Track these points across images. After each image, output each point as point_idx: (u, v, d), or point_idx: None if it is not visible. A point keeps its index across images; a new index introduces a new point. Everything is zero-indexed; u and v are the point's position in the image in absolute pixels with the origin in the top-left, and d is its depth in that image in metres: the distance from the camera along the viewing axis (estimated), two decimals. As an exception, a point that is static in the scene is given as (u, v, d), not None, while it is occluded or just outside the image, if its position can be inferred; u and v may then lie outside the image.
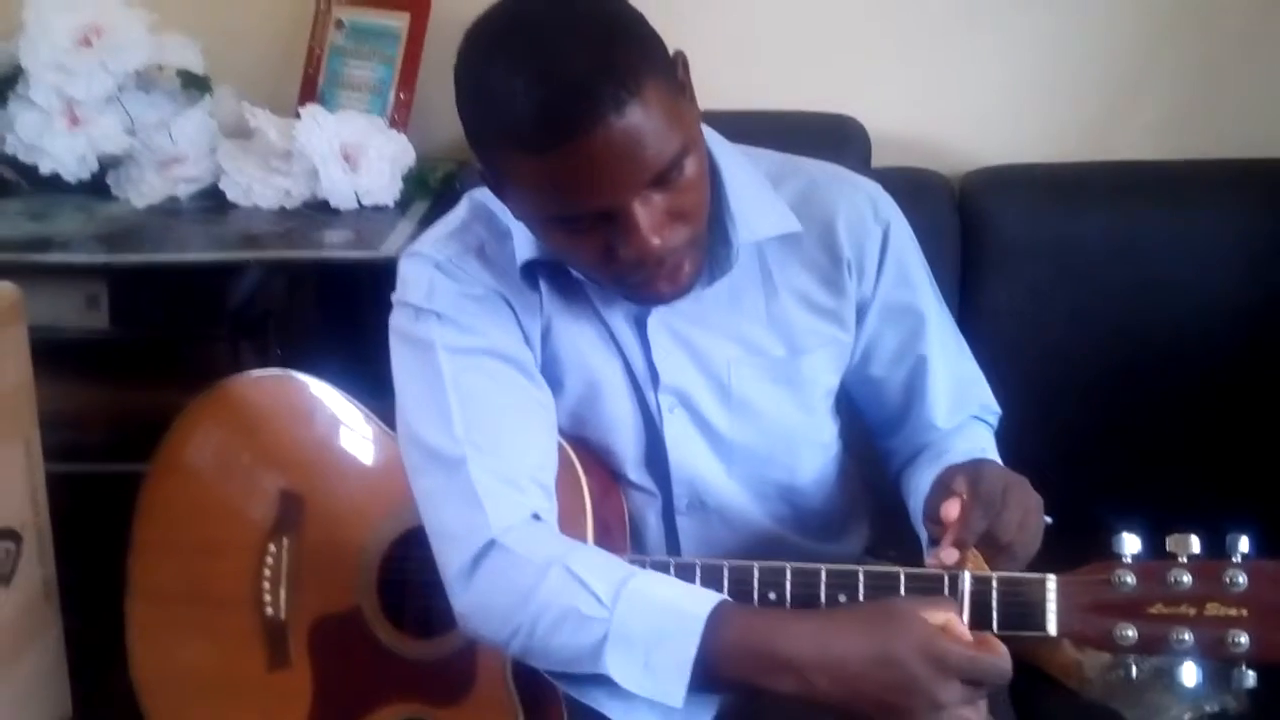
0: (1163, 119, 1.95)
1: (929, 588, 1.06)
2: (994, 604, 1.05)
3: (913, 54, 1.96)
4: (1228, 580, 1.00)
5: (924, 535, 1.17)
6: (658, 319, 1.24)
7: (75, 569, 1.58)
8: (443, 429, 1.17)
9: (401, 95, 1.93)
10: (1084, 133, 1.95)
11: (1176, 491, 1.64)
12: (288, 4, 2.02)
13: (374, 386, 1.42)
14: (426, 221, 1.76)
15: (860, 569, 1.09)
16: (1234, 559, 1.00)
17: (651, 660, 1.03)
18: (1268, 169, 1.87)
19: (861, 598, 1.08)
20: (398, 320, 1.24)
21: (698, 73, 1.12)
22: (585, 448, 1.28)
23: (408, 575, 1.37)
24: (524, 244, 1.21)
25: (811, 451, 1.34)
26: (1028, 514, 1.09)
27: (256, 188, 1.84)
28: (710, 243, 1.19)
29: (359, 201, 1.84)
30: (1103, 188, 1.86)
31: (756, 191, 1.23)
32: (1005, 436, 1.39)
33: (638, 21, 1.07)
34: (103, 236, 1.74)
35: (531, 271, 1.23)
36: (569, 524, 1.20)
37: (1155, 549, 1.03)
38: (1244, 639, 0.99)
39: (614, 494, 1.30)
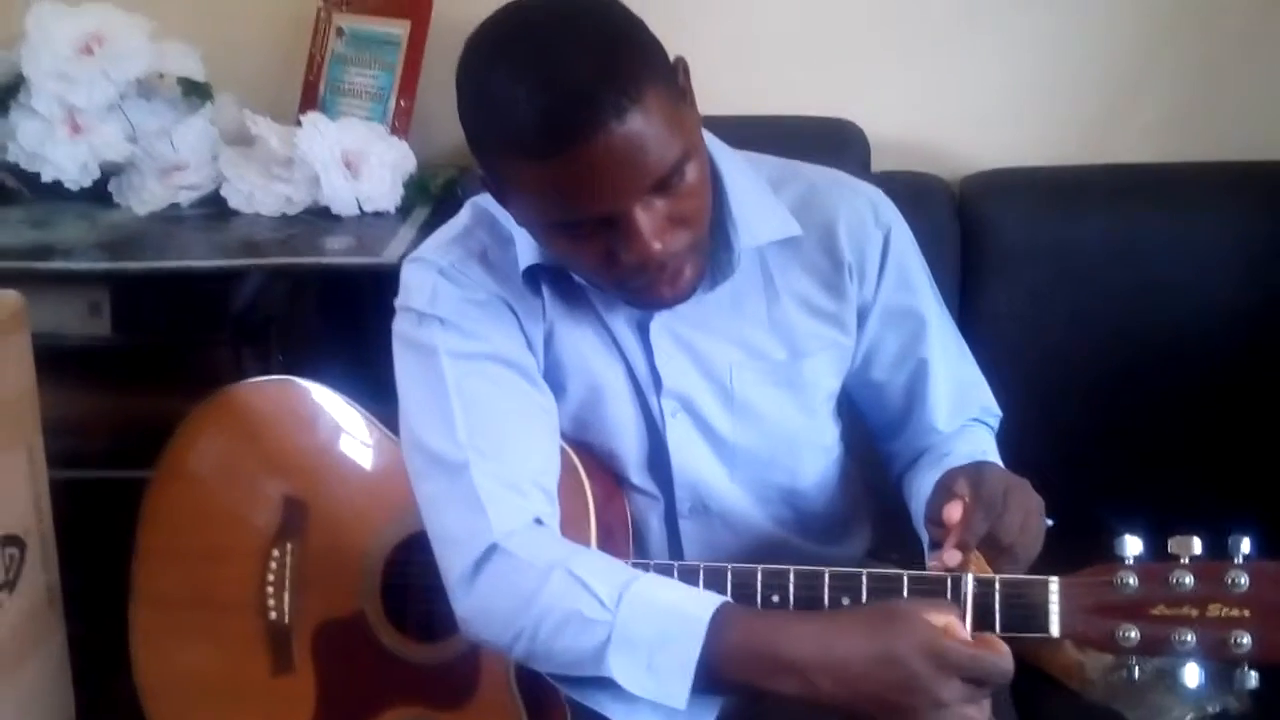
0: (1162, 121, 1.95)
1: (932, 590, 1.07)
2: (997, 606, 1.05)
3: (912, 58, 1.96)
4: (1230, 581, 1.00)
5: (925, 538, 1.18)
6: (660, 323, 1.24)
7: (78, 575, 1.58)
8: (446, 434, 1.18)
9: (402, 102, 1.93)
10: (1083, 136, 1.95)
11: (1177, 493, 1.64)
12: (288, 12, 2.02)
13: (375, 392, 1.43)
14: (428, 228, 1.76)
15: (863, 571, 1.10)
16: (1236, 560, 1.01)
17: (655, 662, 1.04)
18: (1267, 171, 1.87)
19: (865, 600, 1.08)
20: (401, 325, 1.25)
21: (697, 78, 1.12)
22: (588, 452, 1.28)
23: (411, 579, 1.37)
24: (526, 249, 1.21)
25: (813, 454, 1.35)
26: (1029, 516, 1.09)
27: (258, 194, 1.84)
28: (712, 247, 1.19)
29: (360, 208, 1.84)
30: (1102, 191, 1.86)
31: (758, 196, 1.24)
32: (1006, 439, 1.39)
33: (638, 28, 1.07)
34: (105, 244, 1.75)
35: (534, 277, 1.23)
36: (572, 528, 1.20)
37: (1157, 551, 1.04)
38: (1246, 639, 0.99)
39: (617, 498, 1.30)
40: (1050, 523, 1.12)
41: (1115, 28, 1.91)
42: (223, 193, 1.87)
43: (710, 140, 1.19)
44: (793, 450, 1.32)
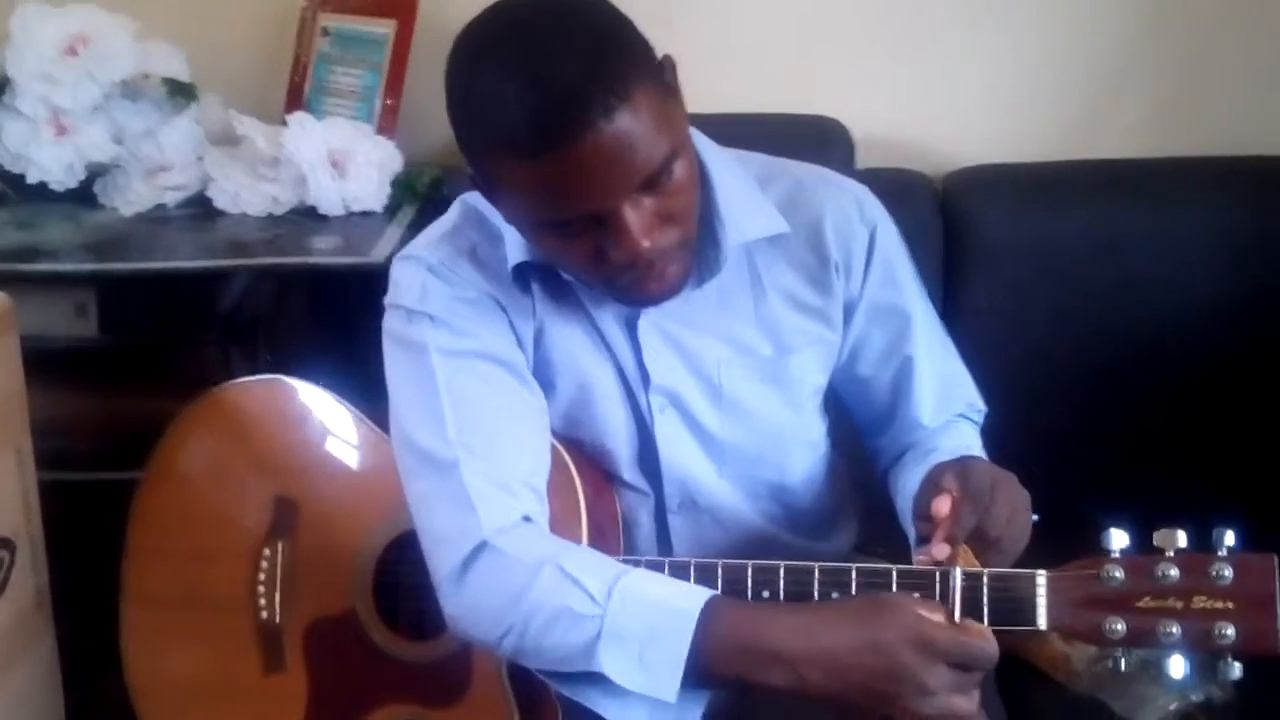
0: (1144, 118, 1.96)
1: (921, 584, 1.07)
2: (985, 599, 1.06)
3: (895, 55, 1.97)
4: (1214, 573, 1.01)
5: (912, 533, 1.18)
6: (648, 320, 1.25)
7: (67, 577, 1.57)
8: (436, 432, 1.18)
9: (388, 102, 1.93)
10: (1065, 132, 1.96)
11: (1161, 487, 1.66)
12: (273, 12, 2.02)
13: (364, 391, 1.43)
14: (414, 227, 1.77)
15: (853, 566, 1.10)
16: (1220, 552, 1.02)
17: (645, 656, 1.04)
18: (1249, 167, 1.88)
19: (854, 594, 1.09)
20: (391, 323, 1.25)
21: (681, 77, 1.13)
22: (578, 449, 1.29)
23: (402, 578, 1.38)
24: (515, 247, 1.22)
25: (801, 450, 1.35)
26: (1016, 509, 1.10)
27: (244, 195, 1.84)
28: (699, 245, 1.20)
29: (347, 207, 1.84)
30: (1085, 187, 1.87)
31: (745, 194, 1.24)
32: (989, 435, 1.40)
33: (626, 27, 1.08)
34: (91, 245, 1.74)
35: (523, 274, 1.24)
36: (563, 525, 1.21)
37: (1142, 544, 1.04)
38: (1230, 631, 1.00)
39: (607, 495, 1.30)
40: (1036, 518, 1.12)
41: (1097, 25, 1.92)
42: (208, 193, 1.86)
43: (698, 138, 1.20)
44: (780, 446, 1.33)
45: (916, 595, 1.06)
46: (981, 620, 1.06)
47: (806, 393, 1.32)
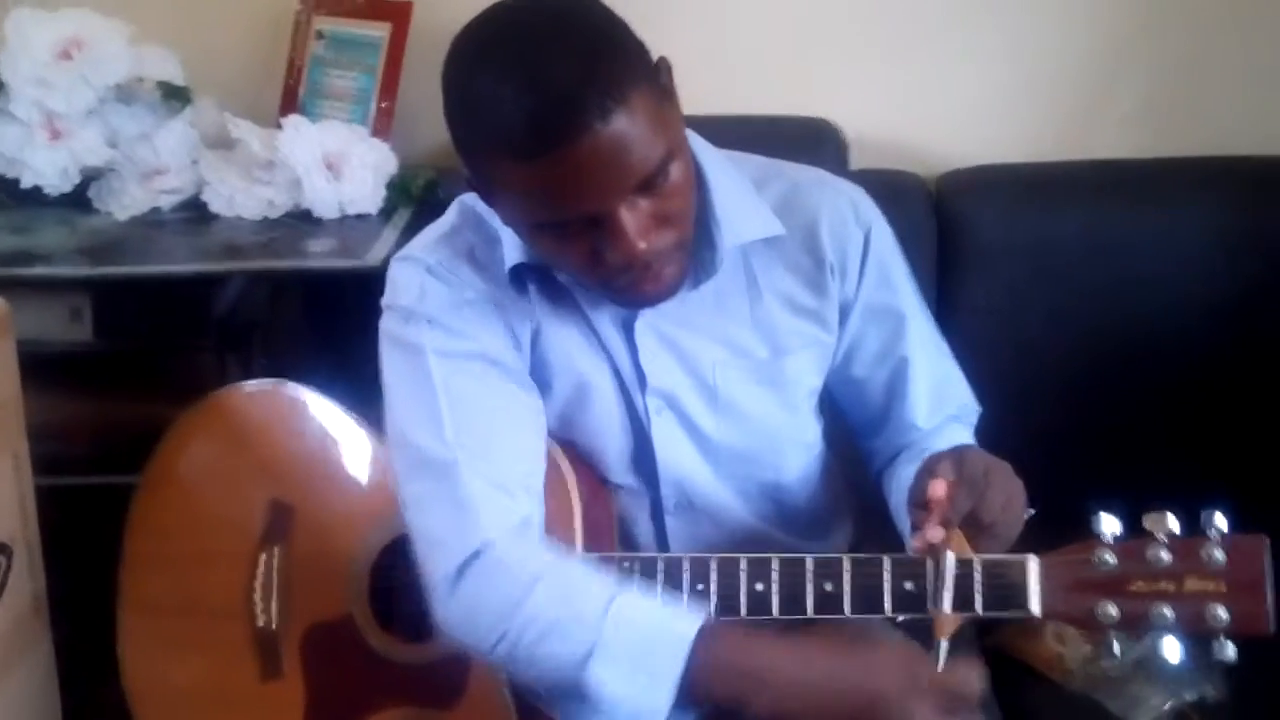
0: (1138, 118, 1.96)
1: (913, 570, 1.08)
2: (977, 585, 1.06)
3: (888, 56, 1.97)
4: (1205, 555, 1.02)
5: (906, 528, 1.18)
6: (645, 322, 1.25)
7: (63, 582, 1.57)
8: (433, 433, 1.18)
9: (383, 104, 1.93)
10: (1059, 132, 1.96)
11: (1155, 486, 1.64)
12: (267, 16, 2.01)
13: (359, 395, 1.43)
14: (410, 229, 1.76)
15: (845, 556, 1.11)
16: (1210, 535, 1.02)
17: (637, 676, 1.06)
18: (1243, 166, 1.88)
19: (847, 585, 1.10)
20: (388, 324, 1.25)
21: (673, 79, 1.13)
22: (574, 450, 1.29)
23: (398, 581, 1.38)
24: (513, 248, 1.22)
25: (796, 451, 1.36)
26: (1010, 496, 1.10)
27: (239, 198, 1.84)
28: (695, 247, 1.20)
29: (342, 210, 1.84)
30: (1078, 187, 1.87)
31: (740, 196, 1.25)
32: (983, 434, 1.40)
33: (622, 30, 1.08)
34: (85, 249, 1.74)
35: (520, 276, 1.24)
36: (558, 525, 1.21)
37: (1133, 530, 1.05)
38: (1223, 612, 1.01)
39: (602, 495, 1.31)
40: (1032, 512, 1.13)
41: (1091, 25, 1.93)
42: (203, 197, 1.86)
43: (693, 140, 1.20)
44: (775, 447, 1.33)
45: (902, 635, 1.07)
46: (974, 606, 1.06)
47: (802, 394, 1.33)
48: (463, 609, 1.15)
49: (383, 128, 1.93)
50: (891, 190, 1.74)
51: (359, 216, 1.85)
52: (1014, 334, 1.83)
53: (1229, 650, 1.01)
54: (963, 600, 1.06)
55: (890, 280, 1.31)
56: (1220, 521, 1.03)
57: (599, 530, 1.27)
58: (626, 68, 1.04)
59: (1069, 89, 1.96)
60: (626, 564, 1.16)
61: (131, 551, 1.50)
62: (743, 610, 1.12)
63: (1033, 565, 1.06)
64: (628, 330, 1.26)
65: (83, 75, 1.80)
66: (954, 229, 1.86)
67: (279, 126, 1.84)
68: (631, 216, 1.07)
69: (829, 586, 1.10)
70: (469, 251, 1.25)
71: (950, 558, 1.06)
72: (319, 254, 1.74)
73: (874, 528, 1.40)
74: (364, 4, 1.96)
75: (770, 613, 1.11)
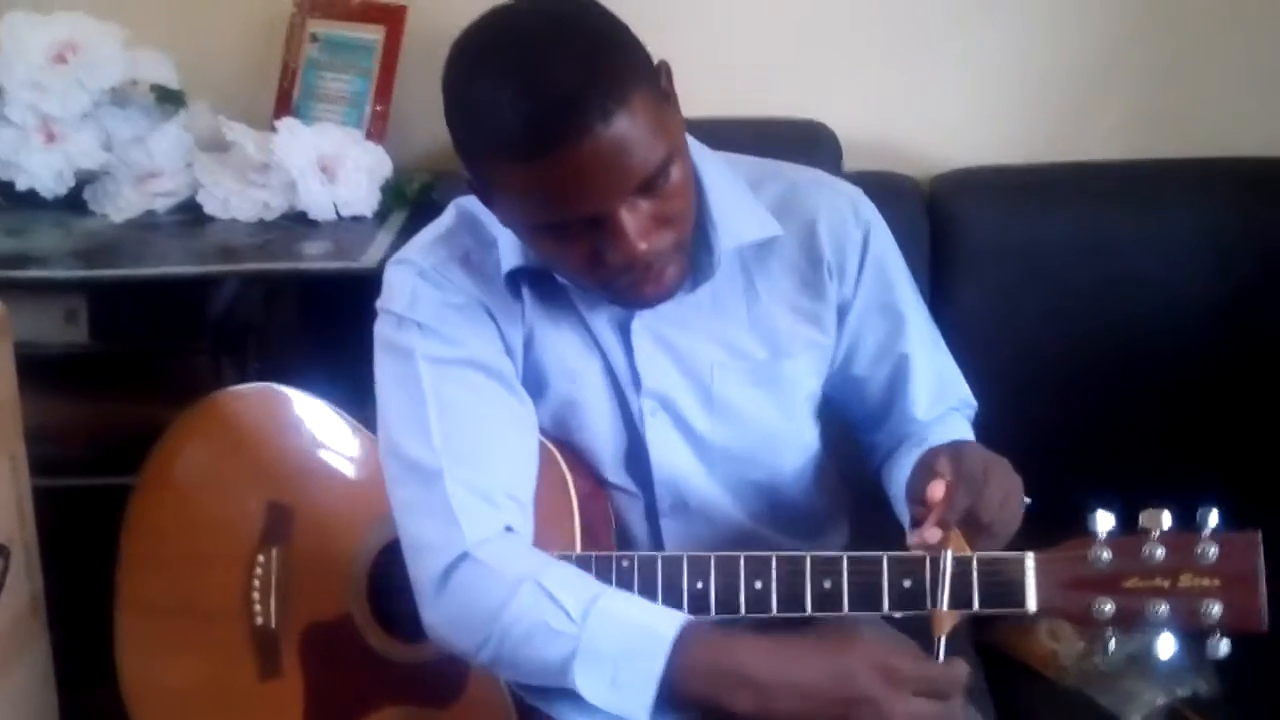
0: (1129, 120, 1.97)
1: (911, 569, 1.09)
2: (975, 582, 1.07)
3: (882, 59, 1.98)
4: (1199, 552, 1.02)
5: (906, 519, 1.19)
6: (641, 324, 1.25)
7: (60, 582, 1.58)
8: (422, 440, 1.19)
9: (378, 107, 1.93)
10: (1051, 134, 1.97)
11: (1148, 485, 1.66)
12: (261, 19, 2.02)
13: (354, 397, 1.44)
14: (405, 232, 1.77)
15: (844, 554, 1.11)
16: (1204, 532, 1.03)
17: (619, 676, 1.06)
18: (1233, 168, 1.89)
19: (845, 583, 1.10)
20: (381, 328, 1.26)
21: (667, 81, 1.13)
22: (570, 451, 1.29)
23: (397, 580, 1.37)
24: (509, 252, 1.22)
25: (792, 452, 1.36)
26: (1008, 494, 1.11)
27: (234, 200, 1.84)
28: (692, 249, 1.20)
29: (337, 213, 1.84)
30: (1071, 188, 1.88)
31: (737, 197, 1.25)
32: (977, 434, 1.40)
33: (622, 32, 1.09)
34: (80, 252, 1.74)
35: (514, 280, 1.24)
36: (555, 525, 1.21)
37: (1127, 527, 1.06)
38: (1216, 608, 1.01)
39: (599, 495, 1.31)
40: (1028, 501, 1.13)
41: (1082, 28, 1.93)
42: (198, 199, 1.86)
43: (690, 142, 1.20)
44: (771, 448, 1.34)
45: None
46: (972, 603, 1.07)
47: (800, 397, 1.33)
48: (448, 613, 1.15)
49: (377, 131, 1.93)
50: (885, 192, 1.72)
51: (354, 219, 1.85)
52: (1007, 335, 1.84)
53: (1223, 647, 1.02)
54: (960, 598, 1.07)
55: (889, 279, 1.31)
56: (1214, 519, 1.03)
57: (597, 530, 1.28)
58: (627, 69, 1.05)
59: (1061, 92, 1.96)
60: (625, 563, 1.16)
61: (128, 552, 1.50)
62: (742, 609, 1.13)
63: (1029, 563, 1.07)
64: (624, 332, 1.26)
65: (77, 78, 1.80)
66: (947, 231, 1.87)
67: (273, 129, 1.84)
68: (632, 218, 1.08)
69: (828, 584, 1.11)
70: (464, 255, 1.25)
71: (948, 556, 1.07)
72: (314, 256, 1.74)
73: (869, 528, 1.40)
74: (358, 7, 1.96)
75: (770, 611, 1.12)
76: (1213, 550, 1.02)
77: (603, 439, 1.30)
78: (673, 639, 1.05)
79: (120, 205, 1.86)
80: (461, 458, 1.18)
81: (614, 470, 1.31)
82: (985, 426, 1.42)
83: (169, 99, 1.88)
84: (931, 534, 1.07)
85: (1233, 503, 1.05)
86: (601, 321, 1.27)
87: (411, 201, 1.90)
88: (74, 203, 1.88)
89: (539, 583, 1.11)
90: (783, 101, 1.95)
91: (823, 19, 1.97)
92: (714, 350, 1.28)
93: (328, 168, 1.83)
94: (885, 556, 1.10)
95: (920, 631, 1.11)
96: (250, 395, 1.52)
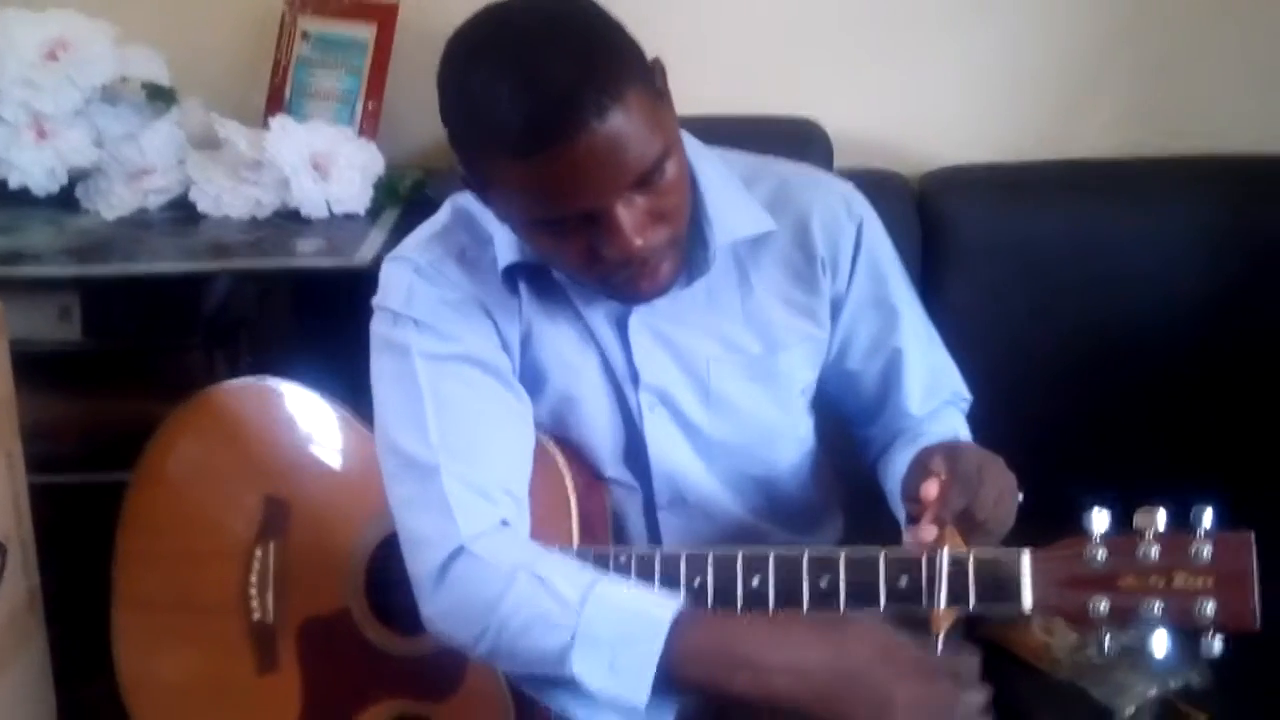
0: (1120, 117, 1.98)
1: (907, 565, 1.09)
2: (970, 579, 1.07)
3: (872, 56, 1.99)
4: (1194, 552, 1.03)
5: (902, 515, 1.20)
6: (639, 319, 1.26)
7: (57, 579, 1.58)
8: (418, 436, 1.19)
9: (370, 105, 1.93)
10: (1042, 132, 1.97)
11: (1141, 479, 1.66)
12: (252, 16, 2.01)
13: (347, 394, 1.44)
14: (398, 229, 1.77)
15: (841, 551, 1.12)
16: (1199, 531, 1.03)
17: (617, 662, 1.06)
18: (1224, 165, 1.90)
19: (842, 579, 1.10)
20: (377, 325, 1.26)
21: (660, 78, 1.14)
22: (568, 445, 1.30)
23: (395, 575, 1.37)
24: (505, 248, 1.23)
25: (788, 446, 1.37)
26: (1003, 492, 1.12)
27: (226, 198, 1.84)
28: (687, 245, 1.21)
29: (330, 210, 1.84)
30: (1061, 186, 1.89)
31: (731, 193, 1.26)
32: (971, 431, 1.41)
33: (617, 29, 1.09)
34: (73, 249, 1.74)
35: (511, 276, 1.25)
36: (553, 520, 1.22)
37: (1122, 526, 1.06)
38: (1210, 607, 1.02)
39: (597, 490, 1.31)
40: (1022, 496, 1.14)
41: (1073, 25, 1.94)
42: (191, 196, 1.86)
43: (684, 139, 1.20)
44: (768, 442, 1.34)
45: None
46: (967, 601, 1.07)
47: (795, 390, 1.34)
48: (446, 607, 1.16)
49: (369, 128, 1.93)
50: (875, 190, 1.72)
51: (346, 216, 1.85)
52: (998, 333, 1.84)
53: (1216, 645, 1.02)
54: (956, 596, 1.07)
55: (882, 274, 1.32)
56: (1208, 518, 1.03)
57: (594, 525, 1.28)
58: (623, 66, 1.05)
59: (1051, 89, 1.97)
60: (623, 558, 1.17)
61: (124, 548, 1.50)
62: (739, 605, 1.13)
63: (1025, 560, 1.07)
64: (621, 328, 1.27)
65: (68, 76, 1.80)
66: (937, 228, 1.88)
67: (265, 127, 1.84)
68: (628, 213, 1.08)
69: (824, 582, 1.11)
70: (460, 251, 1.26)
71: (944, 554, 1.07)
72: (306, 253, 1.75)
73: (864, 520, 1.41)
74: (350, 4, 1.96)
75: (767, 607, 1.12)
76: (1207, 550, 1.02)
77: (601, 434, 1.31)
78: (670, 622, 1.06)
79: (112, 202, 1.86)
80: (458, 453, 1.18)
81: (612, 465, 1.32)
82: (977, 423, 1.43)
83: (160, 96, 1.88)
84: (927, 532, 1.08)
85: (1225, 498, 1.06)
86: (598, 317, 1.27)
87: (404, 199, 1.90)
88: (66, 200, 1.88)
89: (535, 572, 1.11)
90: (774, 99, 1.96)
91: (813, 17, 1.97)
92: (710, 345, 1.28)
93: (320, 165, 1.83)
94: (882, 553, 1.10)
95: (919, 630, 1.11)
96: (245, 389, 1.51)
